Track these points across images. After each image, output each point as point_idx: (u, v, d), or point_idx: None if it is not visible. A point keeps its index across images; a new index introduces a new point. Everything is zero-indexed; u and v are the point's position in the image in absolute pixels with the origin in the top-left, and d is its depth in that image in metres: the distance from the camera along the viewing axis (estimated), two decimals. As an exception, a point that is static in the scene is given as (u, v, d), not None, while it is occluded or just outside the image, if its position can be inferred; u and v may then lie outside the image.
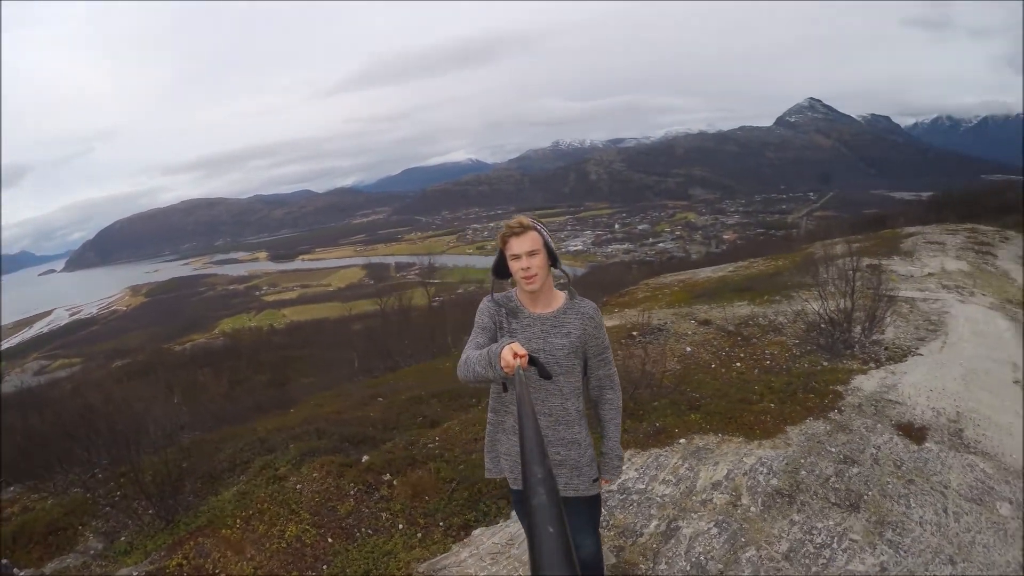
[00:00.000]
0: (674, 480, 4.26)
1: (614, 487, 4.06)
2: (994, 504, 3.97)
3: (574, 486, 2.29)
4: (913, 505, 3.89)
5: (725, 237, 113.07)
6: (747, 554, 3.43)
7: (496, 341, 2.10)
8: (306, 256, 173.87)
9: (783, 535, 3.61)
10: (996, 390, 6.02)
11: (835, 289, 8.03)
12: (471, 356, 2.00)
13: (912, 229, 21.53)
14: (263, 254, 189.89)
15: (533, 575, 0.63)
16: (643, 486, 4.17)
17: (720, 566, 3.34)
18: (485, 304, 2.31)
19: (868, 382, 6.10)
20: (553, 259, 2.16)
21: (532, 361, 1.78)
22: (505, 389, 2.25)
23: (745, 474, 4.30)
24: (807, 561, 3.38)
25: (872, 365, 6.69)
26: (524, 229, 2.10)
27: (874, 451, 4.59)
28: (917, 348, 7.20)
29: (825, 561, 3.38)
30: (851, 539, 3.55)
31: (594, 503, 2.38)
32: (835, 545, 3.51)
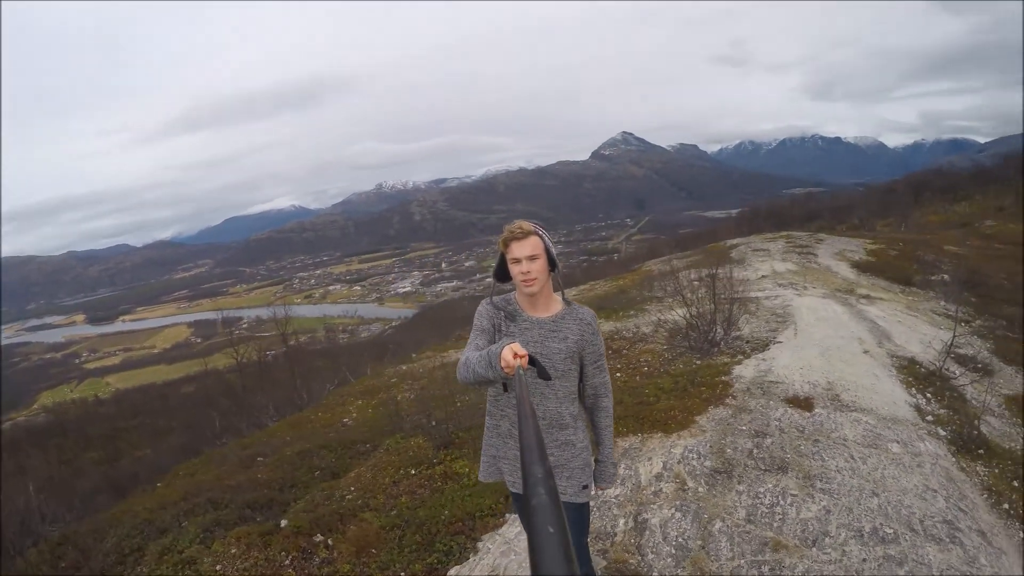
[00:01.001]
0: (619, 481, 4.65)
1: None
2: (886, 446, 5.06)
3: (561, 489, 2.37)
4: (827, 458, 4.74)
5: None
6: (715, 527, 3.88)
7: (494, 344, 2.18)
8: (127, 316, 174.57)
9: (737, 504, 4.16)
10: (851, 361, 7.48)
11: (693, 297, 9.46)
12: (471, 357, 2.11)
13: (735, 240, 25.59)
14: (80, 317, 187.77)
15: (533, 575, 0.68)
16: (593, 491, 4.53)
17: (699, 542, 3.72)
18: (484, 307, 2.45)
19: (746, 370, 7.22)
20: (553, 264, 2.32)
21: (531, 362, 1.90)
22: (505, 389, 2.38)
23: (679, 462, 4.79)
24: (767, 520, 3.95)
25: (741, 357, 7.89)
26: (525, 233, 2.25)
27: (777, 423, 5.48)
28: (775, 338, 8.62)
29: (781, 516, 3.99)
30: (792, 494, 4.22)
31: (583, 510, 2.52)
32: (782, 502, 4.15)
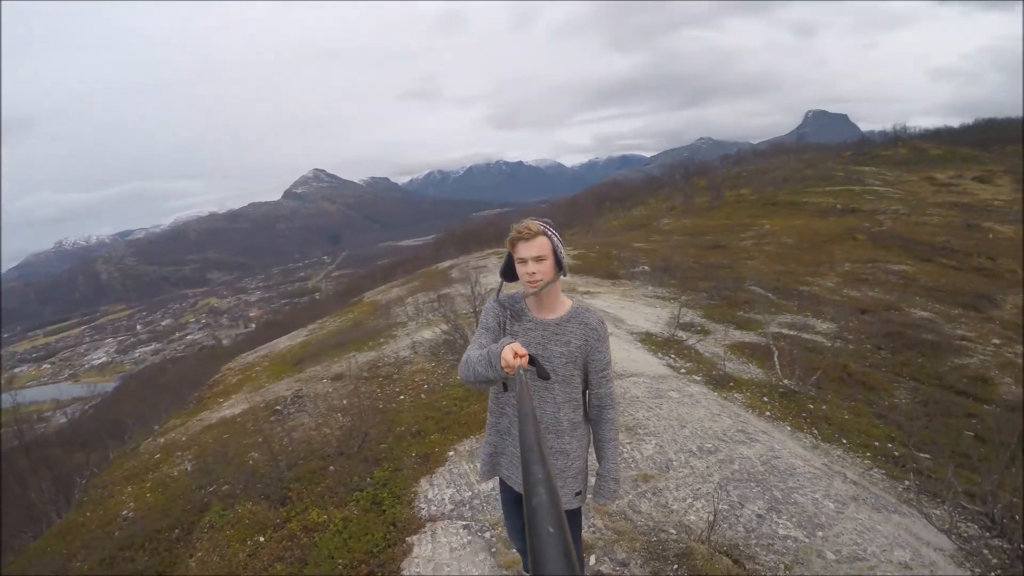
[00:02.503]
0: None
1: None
2: (668, 394, 6.64)
3: None
4: (634, 413, 6.03)
5: (252, 315, 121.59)
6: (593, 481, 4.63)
7: (498, 343, 2.16)
8: None
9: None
10: (623, 346, 9.22)
11: (451, 313, 10.25)
12: (472, 356, 2.15)
13: (447, 263, 27.46)
14: None
15: (533, 575, 0.70)
16: (470, 495, 4.56)
17: (590, 495, 4.39)
18: (490, 305, 2.50)
19: None
20: (560, 266, 2.34)
21: (531, 361, 1.95)
22: (505, 389, 2.43)
23: None
24: (624, 465, 4.87)
25: None
26: (533, 234, 2.26)
27: None
28: None
29: (631, 459, 4.98)
30: (627, 444, 5.25)
31: (576, 516, 2.63)
32: (626, 450, 5.13)
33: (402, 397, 7.95)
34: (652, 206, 57.09)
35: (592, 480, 2.69)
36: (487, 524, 4.10)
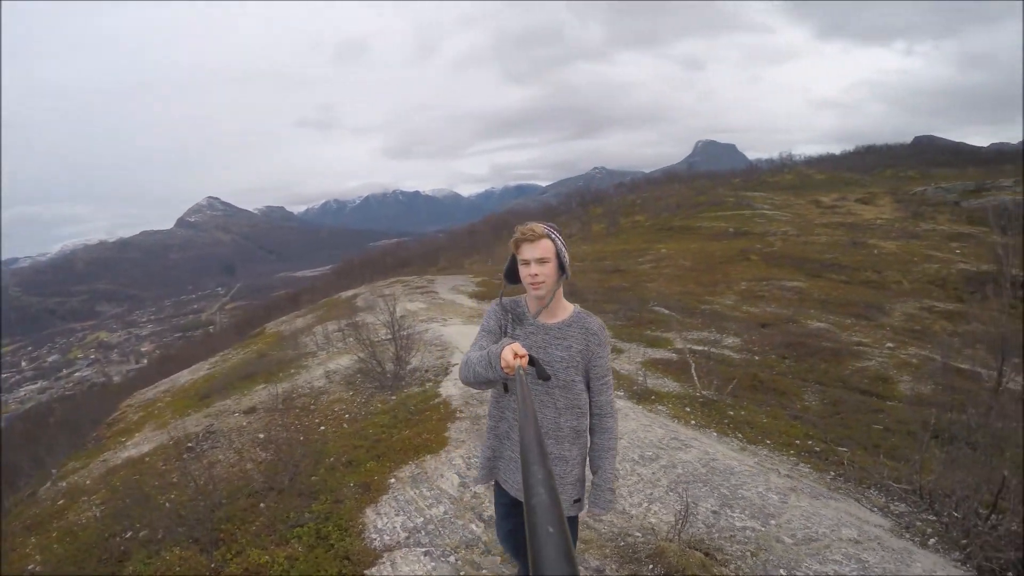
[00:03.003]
0: (435, 502, 4.64)
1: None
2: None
3: None
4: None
5: (144, 350, 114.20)
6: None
7: (498, 343, 2.16)
8: None
9: None
10: None
11: (367, 340, 10.03)
12: (472, 357, 2.16)
13: (350, 292, 27.04)
14: None
15: (533, 575, 0.71)
16: (422, 521, 4.35)
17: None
18: (493, 307, 2.50)
19: (451, 390, 7.91)
20: (564, 269, 2.36)
21: (531, 362, 1.96)
22: (506, 390, 2.41)
23: (470, 468, 5.23)
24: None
25: (430, 384, 8.64)
26: (537, 236, 2.29)
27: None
28: (449, 362, 9.71)
29: None
30: None
31: (571, 525, 2.54)
32: None
33: (323, 428, 7.63)
34: None
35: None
36: (448, 548, 3.93)
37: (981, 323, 17.40)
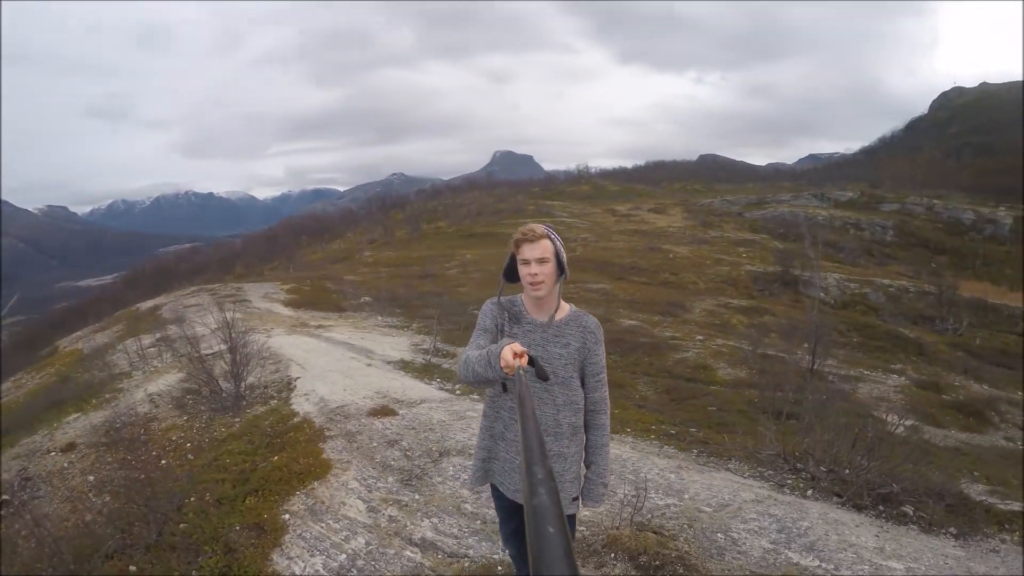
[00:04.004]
0: (350, 534, 4.13)
1: None
2: (466, 415, 6.83)
3: None
4: (456, 436, 6.12)
5: None
6: (476, 501, 4.54)
7: (495, 344, 2.23)
8: None
9: (455, 482, 4.94)
10: (370, 374, 9.07)
11: (194, 355, 9.08)
12: (471, 356, 2.20)
13: (151, 303, 24.42)
14: None
15: (533, 575, 0.72)
16: (346, 559, 4.07)
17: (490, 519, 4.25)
18: (489, 306, 2.54)
19: (307, 407, 7.19)
20: (562, 269, 2.43)
21: (530, 361, 2.00)
22: (505, 389, 2.46)
23: (371, 492, 4.87)
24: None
25: (276, 401, 7.86)
26: (537, 237, 2.36)
27: (390, 430, 6.26)
28: (290, 377, 8.87)
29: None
30: (448, 467, 5.31)
31: (571, 521, 2.67)
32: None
33: (164, 462, 6.68)
34: (351, 239, 58.69)
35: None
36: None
37: (773, 315, 20.20)
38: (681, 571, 3.47)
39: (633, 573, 3.49)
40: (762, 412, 8.19)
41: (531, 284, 2.38)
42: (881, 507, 4.55)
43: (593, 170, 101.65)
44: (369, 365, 9.79)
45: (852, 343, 17.42)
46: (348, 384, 8.39)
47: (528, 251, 2.35)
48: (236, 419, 7.36)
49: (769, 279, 28.59)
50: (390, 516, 4.44)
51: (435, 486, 4.93)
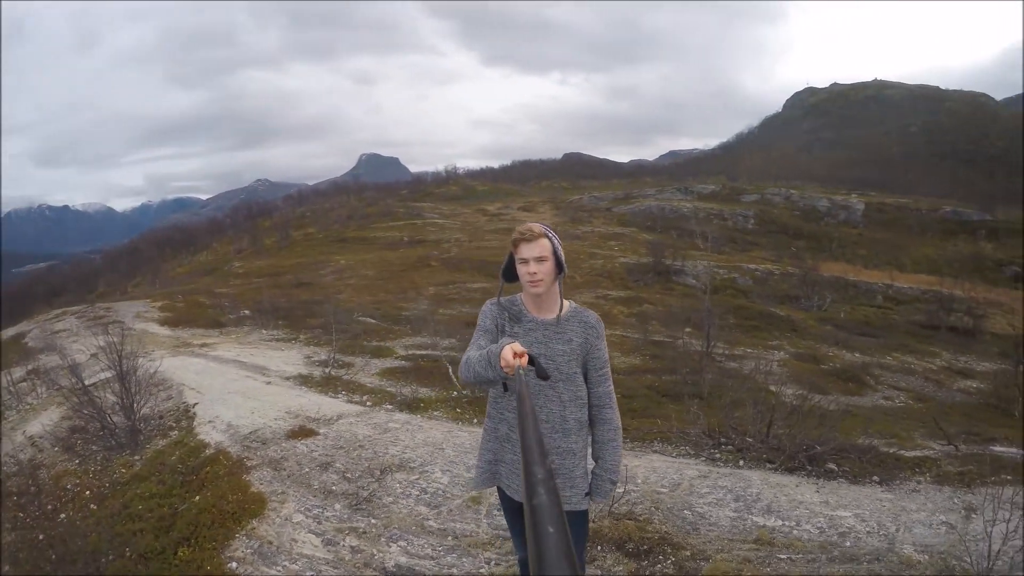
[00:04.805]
0: (299, 570, 3.94)
1: None
2: (386, 426, 6.87)
3: (565, 498, 2.50)
4: (386, 448, 6.03)
5: None
6: (424, 524, 4.48)
7: (497, 343, 2.23)
8: None
9: (402, 502, 4.79)
10: (273, 392, 8.71)
11: (65, 389, 8.22)
12: (471, 357, 2.21)
13: (10, 331, 22.56)
14: None
15: (534, 575, 0.73)
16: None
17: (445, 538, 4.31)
18: (488, 307, 2.54)
19: (216, 436, 6.66)
20: (560, 267, 2.44)
21: (531, 361, 2.00)
22: (505, 389, 2.45)
23: (320, 523, 4.59)
24: (431, 499, 4.83)
25: (177, 432, 7.29)
26: (535, 236, 2.37)
27: (318, 455, 5.93)
28: (186, 402, 8.22)
29: (435, 492, 5.04)
30: (416, 481, 5.20)
31: (583, 518, 2.61)
32: (423, 486, 5.10)
33: (63, 516, 5.95)
34: (218, 250, 56.15)
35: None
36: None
37: (650, 304, 21.23)
38: (668, 550, 3.70)
39: (625, 561, 3.64)
40: (663, 396, 8.77)
41: (530, 283, 2.39)
42: (810, 467, 5.09)
43: (461, 171, 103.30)
44: (268, 383, 9.41)
45: (729, 324, 18.69)
46: (253, 406, 7.94)
47: (526, 250, 2.37)
48: (136, 457, 6.68)
49: (643, 269, 30.25)
50: (352, 547, 4.23)
51: (388, 507, 4.77)
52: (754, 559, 3.70)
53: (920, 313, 24.93)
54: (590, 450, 2.59)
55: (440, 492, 4.98)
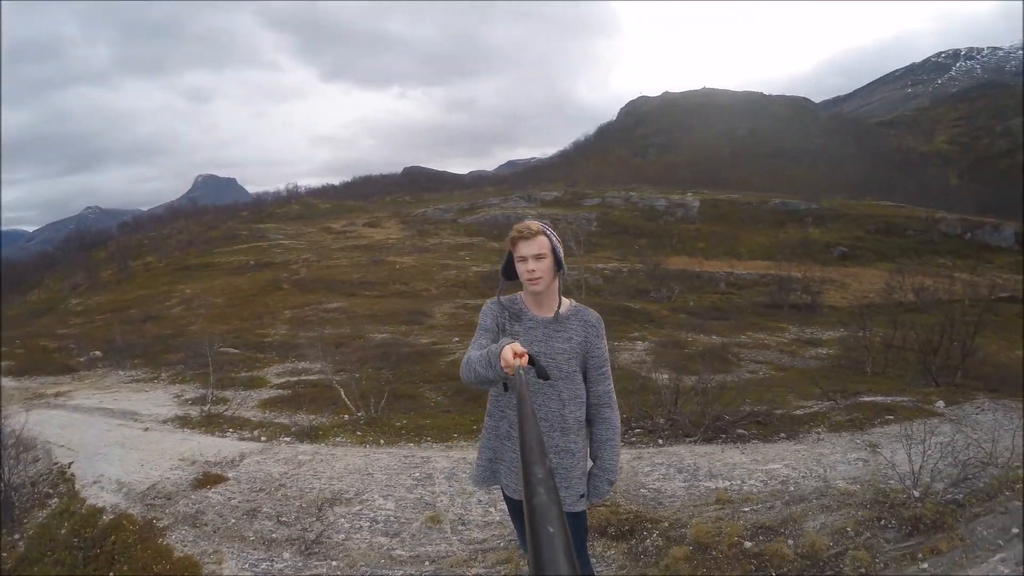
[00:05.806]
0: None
1: None
2: (297, 459, 6.60)
3: (561, 497, 2.50)
4: (304, 481, 5.87)
5: None
6: (391, 555, 4.40)
7: (497, 343, 2.26)
8: None
9: (359, 542, 4.57)
10: (158, 440, 8.03)
11: None
12: (472, 357, 2.26)
13: None
14: None
15: (534, 575, 0.74)
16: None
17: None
18: (489, 306, 2.61)
19: (112, 498, 5.64)
20: (559, 264, 2.50)
21: (531, 361, 2.04)
22: (506, 389, 2.50)
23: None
24: (388, 529, 4.72)
25: (68, 499, 6.24)
26: (533, 233, 2.43)
27: (238, 503, 5.49)
28: (63, 462, 7.26)
29: (392, 521, 4.90)
30: (364, 513, 5.03)
31: (580, 519, 2.64)
32: (368, 514, 4.98)
33: None
34: (51, 287, 50.81)
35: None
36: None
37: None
38: (648, 526, 4.02)
39: (615, 544, 3.87)
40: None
41: (529, 281, 2.46)
42: (723, 435, 5.71)
43: (302, 189, 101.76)
44: (146, 429, 8.64)
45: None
46: (140, 457, 7.22)
47: (525, 248, 2.44)
48: (16, 536, 5.73)
49: (497, 277, 30.92)
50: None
51: (343, 544, 4.51)
52: (724, 516, 4.12)
53: (762, 295, 28.22)
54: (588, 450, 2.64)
55: (392, 518, 4.86)
